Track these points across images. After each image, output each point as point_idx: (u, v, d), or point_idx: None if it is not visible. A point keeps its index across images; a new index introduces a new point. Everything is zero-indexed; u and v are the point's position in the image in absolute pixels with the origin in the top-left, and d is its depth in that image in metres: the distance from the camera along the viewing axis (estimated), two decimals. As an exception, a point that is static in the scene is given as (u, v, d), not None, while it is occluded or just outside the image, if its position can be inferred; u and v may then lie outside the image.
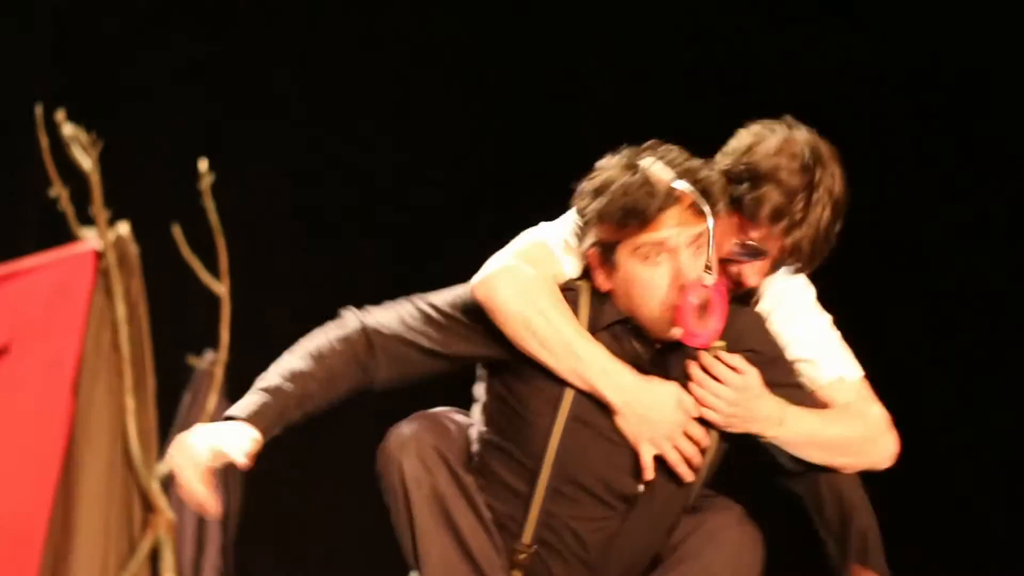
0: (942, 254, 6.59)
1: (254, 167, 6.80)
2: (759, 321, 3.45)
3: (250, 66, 6.92)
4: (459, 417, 3.47)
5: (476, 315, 3.35)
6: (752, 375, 3.34)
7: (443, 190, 7.04)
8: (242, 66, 6.90)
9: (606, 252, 3.33)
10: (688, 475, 3.32)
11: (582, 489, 3.34)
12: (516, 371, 3.36)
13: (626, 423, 3.31)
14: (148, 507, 5.53)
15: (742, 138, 3.41)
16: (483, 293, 3.33)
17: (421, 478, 3.30)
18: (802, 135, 3.37)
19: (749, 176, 3.34)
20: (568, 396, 3.33)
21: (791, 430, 3.35)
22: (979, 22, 6.61)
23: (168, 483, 5.81)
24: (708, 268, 3.27)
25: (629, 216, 3.26)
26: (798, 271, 3.45)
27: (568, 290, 3.39)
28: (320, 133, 7.03)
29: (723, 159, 3.40)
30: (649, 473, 3.30)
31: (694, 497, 3.39)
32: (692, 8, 6.88)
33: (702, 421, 3.34)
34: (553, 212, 3.46)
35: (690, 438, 3.32)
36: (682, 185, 3.27)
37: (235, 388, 6.15)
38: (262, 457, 6.50)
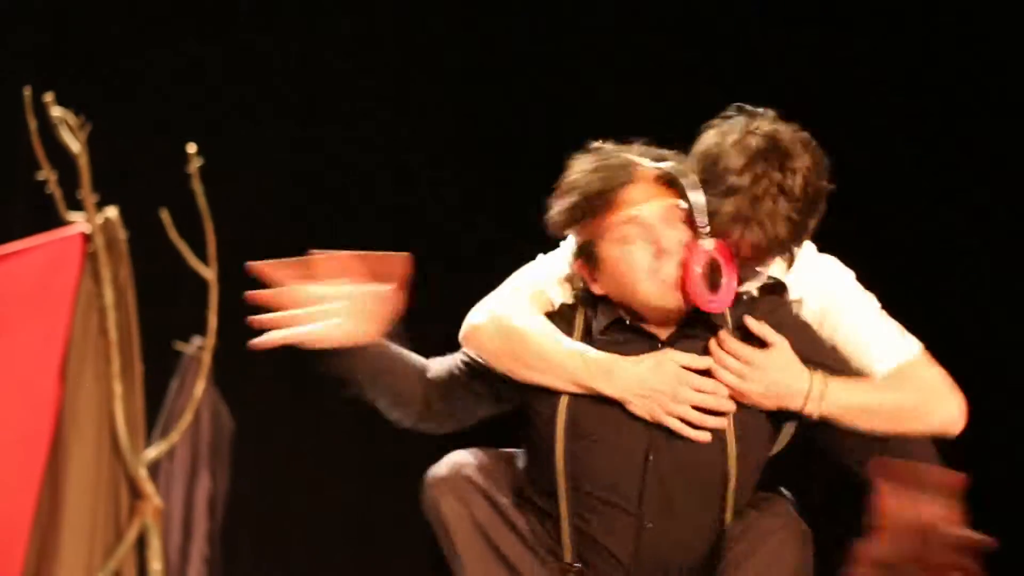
0: (941, 254, 6.56)
1: (244, 153, 6.81)
2: (789, 311, 3.47)
3: (243, 52, 6.93)
4: (505, 451, 3.55)
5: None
6: (779, 347, 3.35)
7: (438, 187, 7.05)
8: (234, 51, 6.92)
9: (588, 254, 3.42)
10: (702, 437, 3.31)
11: (597, 499, 3.37)
12: (523, 401, 3.47)
13: (635, 407, 3.35)
14: (135, 493, 5.50)
15: (702, 141, 3.42)
16: (468, 342, 3.53)
17: (459, 512, 3.38)
18: (760, 129, 3.36)
19: (712, 182, 3.35)
20: (561, 412, 3.39)
21: (836, 403, 3.34)
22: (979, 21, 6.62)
23: (155, 469, 5.80)
24: (700, 232, 3.30)
25: (594, 199, 3.35)
26: (788, 259, 3.43)
27: (558, 314, 3.49)
28: (311, 119, 7.04)
29: (690, 163, 3.42)
30: (697, 434, 3.32)
31: (733, 493, 3.38)
32: (693, 8, 6.89)
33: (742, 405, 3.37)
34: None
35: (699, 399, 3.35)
36: (643, 161, 3.31)
37: (222, 374, 6.14)
38: (248, 445, 6.51)
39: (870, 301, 3.50)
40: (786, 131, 3.36)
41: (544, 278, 3.52)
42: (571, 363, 3.37)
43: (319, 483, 6.92)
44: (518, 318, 3.44)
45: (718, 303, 3.33)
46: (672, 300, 3.34)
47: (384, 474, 7.02)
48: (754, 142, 3.33)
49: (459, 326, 3.64)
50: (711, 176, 3.35)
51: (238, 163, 6.70)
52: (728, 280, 3.32)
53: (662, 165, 3.34)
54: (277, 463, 6.88)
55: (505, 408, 3.54)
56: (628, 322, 3.41)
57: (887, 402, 3.37)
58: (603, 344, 3.41)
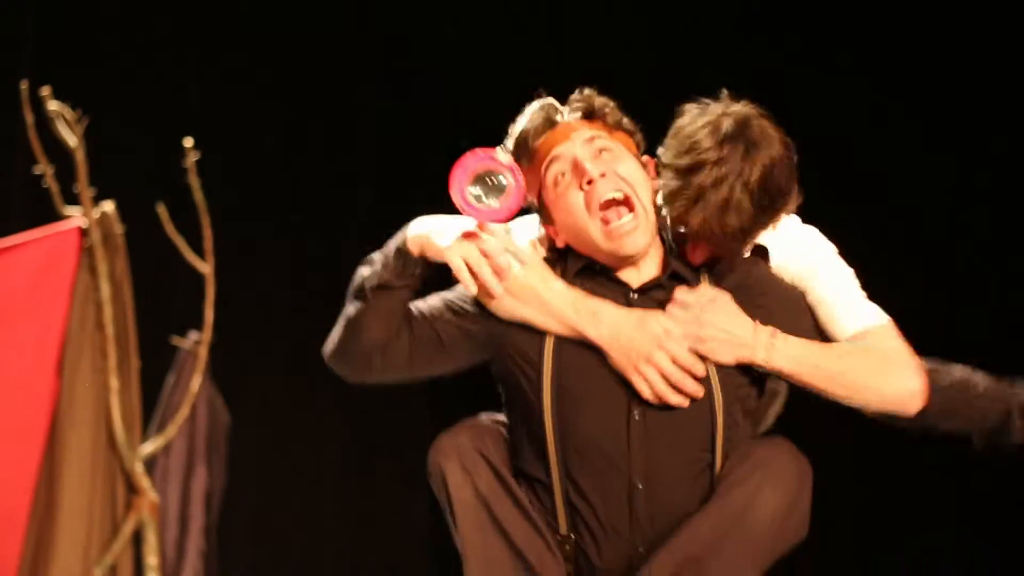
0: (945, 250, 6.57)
1: (242, 147, 6.80)
2: (761, 276, 3.45)
3: (241, 47, 6.93)
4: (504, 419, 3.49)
5: (468, 302, 3.43)
6: (720, 298, 3.35)
7: (434, 185, 7.03)
8: (228, 45, 6.91)
9: (540, 209, 3.43)
10: (675, 399, 3.29)
11: (585, 459, 3.32)
12: (504, 360, 3.40)
13: (613, 357, 3.32)
14: (132, 488, 5.50)
15: (679, 117, 3.41)
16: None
17: (461, 482, 3.32)
18: (729, 111, 3.34)
19: (684, 164, 3.32)
20: (547, 370, 3.34)
21: (786, 355, 3.33)
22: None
23: (151, 464, 5.80)
24: (504, 152, 3.37)
25: (521, 152, 3.38)
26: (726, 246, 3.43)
27: None
28: (310, 114, 7.04)
29: (666, 143, 3.41)
30: (647, 394, 3.29)
31: (721, 448, 3.34)
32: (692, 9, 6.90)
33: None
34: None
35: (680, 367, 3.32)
36: (554, 103, 3.34)
37: (219, 368, 6.14)
38: (245, 440, 6.50)
39: (846, 271, 3.49)
40: (759, 122, 3.35)
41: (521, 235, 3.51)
42: (560, 300, 3.35)
43: (316, 477, 6.92)
44: (512, 254, 3.42)
45: (479, 213, 3.30)
46: (633, 245, 3.34)
47: (381, 467, 7.02)
48: (724, 124, 3.32)
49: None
50: (679, 152, 3.34)
51: (235, 158, 6.69)
52: (504, 198, 3.31)
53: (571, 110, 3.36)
54: (273, 457, 6.88)
55: (467, 363, 3.48)
56: (598, 268, 3.40)
57: (842, 365, 3.36)
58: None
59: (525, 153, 3.38)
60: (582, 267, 3.42)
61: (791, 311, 3.42)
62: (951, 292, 6.53)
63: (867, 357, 3.38)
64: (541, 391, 3.34)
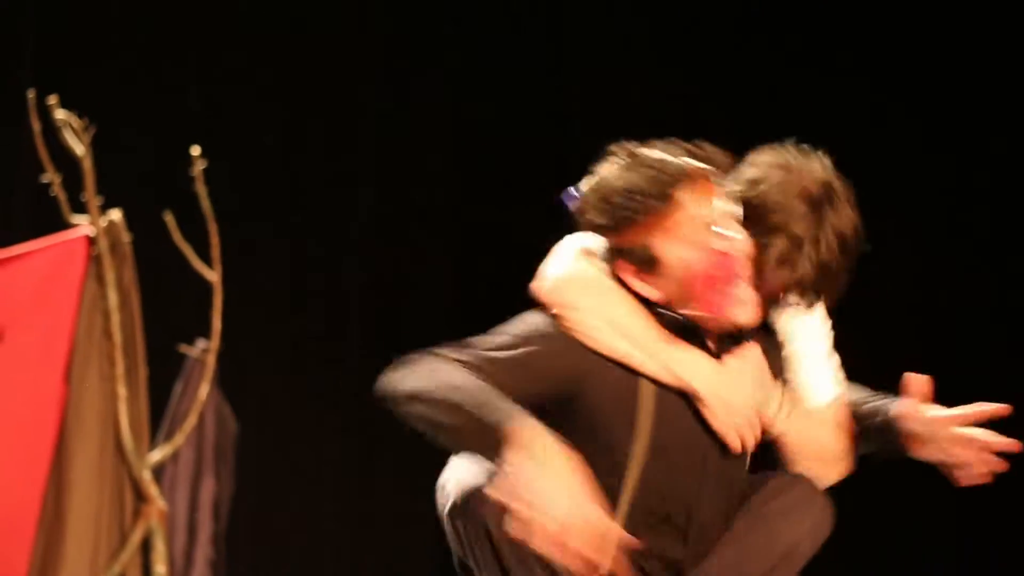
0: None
1: (239, 146, 6.79)
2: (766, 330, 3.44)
3: (237, 45, 6.91)
4: None
5: (544, 339, 3.21)
6: (756, 355, 3.35)
7: (437, 189, 7.05)
8: (228, 45, 6.89)
9: (643, 256, 3.26)
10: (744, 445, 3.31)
11: (656, 504, 3.26)
12: (590, 394, 3.23)
13: (713, 414, 3.26)
14: (140, 496, 5.49)
15: (754, 167, 3.35)
16: (556, 298, 3.23)
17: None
18: (816, 171, 3.31)
19: (757, 215, 3.28)
20: (644, 421, 3.23)
21: (789, 423, 3.36)
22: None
23: (159, 472, 5.80)
24: (726, 234, 3.24)
25: (652, 199, 3.21)
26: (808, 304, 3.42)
27: None
28: (315, 121, 7.02)
29: (734, 186, 3.32)
30: (738, 447, 3.28)
31: (737, 503, 3.33)
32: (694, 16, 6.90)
33: None
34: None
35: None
36: (690, 159, 3.27)
37: (227, 377, 6.13)
38: (246, 442, 6.49)
39: (825, 332, 3.48)
40: (839, 181, 3.33)
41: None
42: (664, 343, 3.23)
43: (316, 477, 6.92)
44: (608, 281, 3.27)
45: (724, 311, 3.27)
46: (747, 315, 3.30)
47: (387, 477, 7.02)
48: (812, 189, 3.28)
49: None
50: (762, 211, 3.28)
51: (235, 158, 6.68)
52: (737, 291, 3.27)
53: (708, 166, 3.31)
54: (273, 457, 6.88)
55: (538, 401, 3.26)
56: (689, 326, 3.28)
57: (819, 440, 3.41)
58: None
59: (656, 201, 3.23)
60: (681, 325, 3.28)
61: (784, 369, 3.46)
62: (951, 293, 6.56)
63: (833, 437, 3.42)
64: (633, 435, 3.22)
